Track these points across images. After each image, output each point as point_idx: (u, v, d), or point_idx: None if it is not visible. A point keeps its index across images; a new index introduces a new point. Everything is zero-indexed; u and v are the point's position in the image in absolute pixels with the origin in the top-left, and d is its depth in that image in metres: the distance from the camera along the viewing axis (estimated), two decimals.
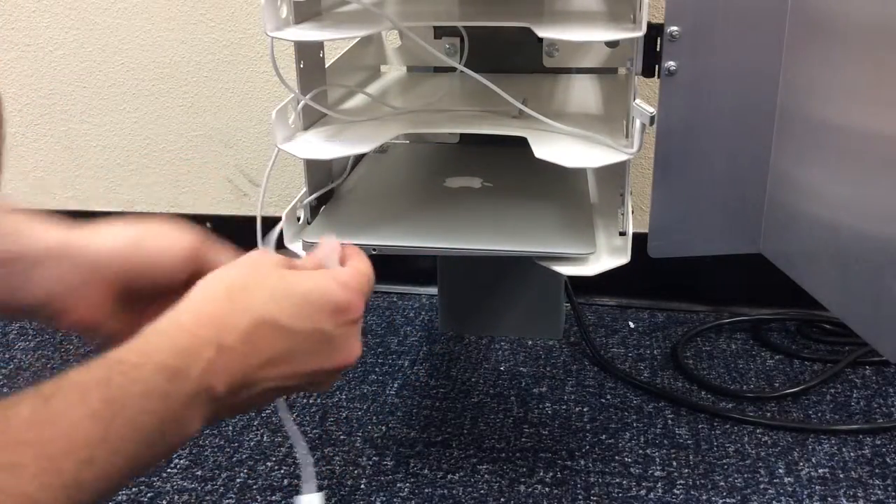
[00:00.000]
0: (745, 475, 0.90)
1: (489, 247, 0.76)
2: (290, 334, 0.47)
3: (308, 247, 0.76)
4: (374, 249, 0.76)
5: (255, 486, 0.91)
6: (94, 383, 0.39)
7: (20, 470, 0.35)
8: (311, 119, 0.83)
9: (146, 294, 0.56)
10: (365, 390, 1.07)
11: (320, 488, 0.86)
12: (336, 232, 0.78)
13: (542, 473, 0.92)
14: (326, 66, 0.87)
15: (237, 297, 0.46)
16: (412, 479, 0.91)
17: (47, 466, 0.36)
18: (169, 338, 0.44)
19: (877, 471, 0.90)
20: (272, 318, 0.47)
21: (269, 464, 0.94)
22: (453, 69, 0.85)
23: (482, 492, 0.89)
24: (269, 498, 0.89)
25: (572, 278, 1.14)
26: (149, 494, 0.89)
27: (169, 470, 0.93)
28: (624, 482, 0.90)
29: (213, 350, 0.44)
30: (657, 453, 0.94)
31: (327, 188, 0.87)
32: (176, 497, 0.89)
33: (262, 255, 0.52)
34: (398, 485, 0.90)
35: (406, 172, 0.97)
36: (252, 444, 0.97)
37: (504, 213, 0.82)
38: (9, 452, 0.35)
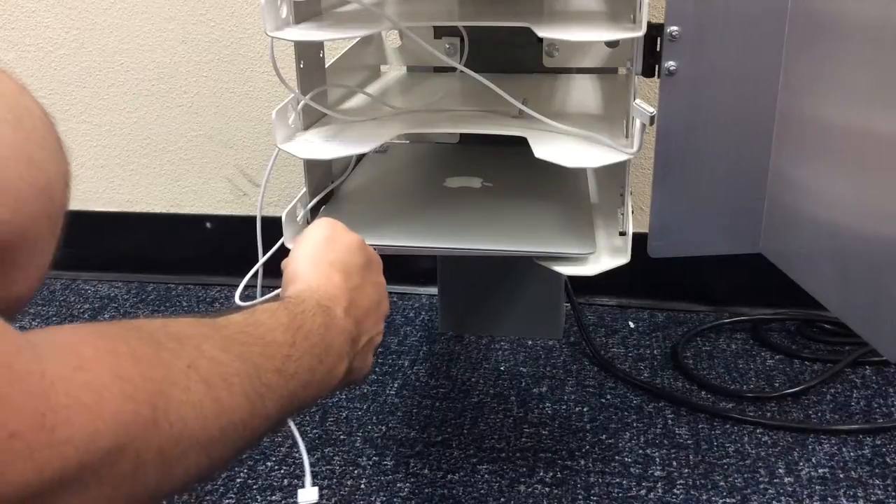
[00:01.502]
0: (745, 475, 0.90)
1: (489, 247, 0.76)
2: (366, 289, 0.59)
3: None
4: (374, 249, 0.76)
5: (255, 486, 0.91)
6: (278, 307, 0.50)
7: (248, 348, 0.45)
8: (311, 119, 0.83)
9: None
10: (365, 390, 1.06)
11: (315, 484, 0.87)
12: None
13: (542, 473, 0.92)
14: (326, 66, 0.87)
15: (338, 268, 0.58)
16: (412, 479, 0.91)
17: (266, 351, 0.46)
18: (313, 291, 0.55)
19: (877, 471, 0.90)
20: (362, 282, 0.59)
21: (269, 464, 0.94)
22: (453, 69, 0.85)
23: (482, 492, 0.89)
24: (269, 498, 0.89)
25: (572, 278, 1.14)
26: None
27: None
28: (624, 482, 0.90)
29: (341, 305, 0.56)
30: (657, 453, 0.94)
31: (328, 189, 0.87)
32: (176, 497, 0.89)
33: (332, 228, 0.62)
34: (398, 485, 0.90)
35: (406, 172, 0.97)
36: None
37: (504, 213, 0.82)
38: (239, 341, 0.45)
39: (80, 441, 0.33)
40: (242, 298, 0.74)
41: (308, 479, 0.66)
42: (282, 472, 0.93)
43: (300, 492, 0.64)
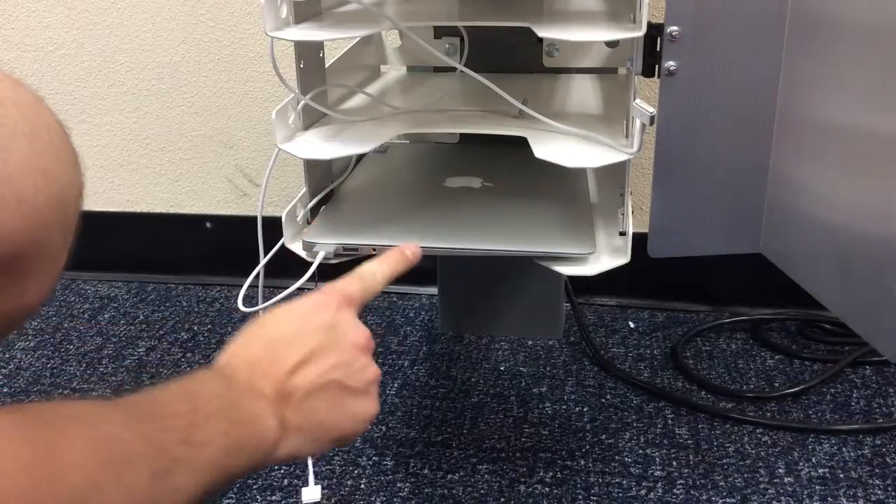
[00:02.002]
0: (745, 475, 0.90)
1: (489, 247, 0.76)
2: (303, 337, 0.56)
3: (308, 247, 0.76)
4: (374, 249, 0.76)
5: (255, 486, 0.91)
6: (171, 383, 0.48)
7: (148, 425, 0.43)
8: (311, 119, 0.83)
9: None
10: None
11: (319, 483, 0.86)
12: (336, 232, 0.78)
13: (542, 473, 0.92)
14: (326, 66, 0.87)
15: (252, 334, 0.57)
16: (412, 479, 0.91)
17: (166, 425, 0.44)
18: (216, 364, 0.54)
19: (877, 471, 0.90)
20: (281, 334, 0.56)
21: None
22: (453, 69, 0.85)
23: (482, 492, 0.89)
24: (268, 498, 0.89)
25: (572, 278, 1.14)
26: None
27: None
28: (624, 482, 0.90)
29: (247, 367, 0.54)
30: (657, 453, 0.94)
31: (327, 189, 0.87)
32: None
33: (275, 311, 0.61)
34: (398, 485, 0.90)
35: (406, 172, 0.97)
36: None
37: (504, 213, 0.82)
38: (137, 418, 0.43)
39: None
40: (244, 300, 0.74)
41: (311, 477, 0.65)
42: (282, 471, 0.93)
43: (304, 490, 0.64)
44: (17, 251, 0.40)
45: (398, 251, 0.68)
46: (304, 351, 0.55)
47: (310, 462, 0.66)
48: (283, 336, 0.56)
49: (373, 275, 0.64)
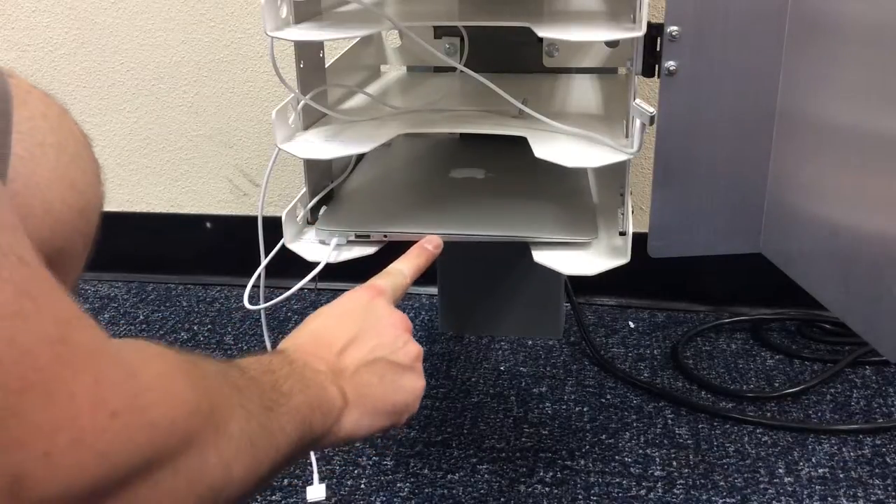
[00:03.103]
0: (745, 475, 0.90)
1: (494, 233, 0.76)
2: (344, 325, 0.59)
3: (321, 234, 0.78)
4: (386, 236, 0.77)
5: None
6: (244, 358, 0.50)
7: (244, 370, 0.46)
8: (311, 119, 0.83)
9: None
10: None
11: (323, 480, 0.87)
12: (348, 220, 0.80)
13: (542, 473, 0.92)
14: (326, 66, 0.87)
15: (297, 330, 0.60)
16: (412, 479, 0.91)
17: (256, 377, 0.46)
18: (273, 350, 0.56)
19: (877, 471, 0.90)
20: (324, 325, 0.60)
21: None
22: (453, 69, 0.85)
23: (482, 492, 0.89)
24: (269, 498, 0.89)
25: (572, 278, 1.14)
26: None
27: None
28: (624, 482, 0.90)
29: (299, 350, 0.56)
30: (657, 453, 0.94)
31: (327, 189, 0.87)
32: None
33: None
34: (398, 485, 0.90)
35: (412, 164, 0.98)
36: None
37: (508, 201, 0.83)
38: (234, 365, 0.46)
39: (164, 425, 0.34)
40: (247, 300, 0.75)
41: (315, 475, 0.66)
42: (282, 471, 0.93)
43: (308, 489, 0.65)
44: (44, 259, 0.41)
45: (419, 246, 0.70)
46: (347, 336, 0.58)
47: (313, 458, 0.67)
48: (325, 326, 0.59)
49: (399, 272, 0.66)
